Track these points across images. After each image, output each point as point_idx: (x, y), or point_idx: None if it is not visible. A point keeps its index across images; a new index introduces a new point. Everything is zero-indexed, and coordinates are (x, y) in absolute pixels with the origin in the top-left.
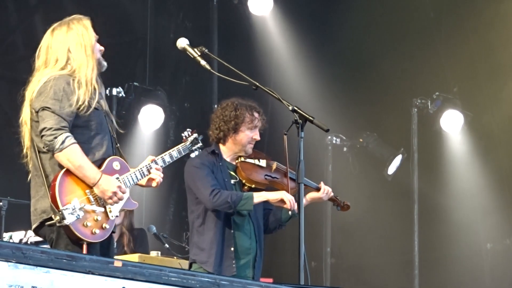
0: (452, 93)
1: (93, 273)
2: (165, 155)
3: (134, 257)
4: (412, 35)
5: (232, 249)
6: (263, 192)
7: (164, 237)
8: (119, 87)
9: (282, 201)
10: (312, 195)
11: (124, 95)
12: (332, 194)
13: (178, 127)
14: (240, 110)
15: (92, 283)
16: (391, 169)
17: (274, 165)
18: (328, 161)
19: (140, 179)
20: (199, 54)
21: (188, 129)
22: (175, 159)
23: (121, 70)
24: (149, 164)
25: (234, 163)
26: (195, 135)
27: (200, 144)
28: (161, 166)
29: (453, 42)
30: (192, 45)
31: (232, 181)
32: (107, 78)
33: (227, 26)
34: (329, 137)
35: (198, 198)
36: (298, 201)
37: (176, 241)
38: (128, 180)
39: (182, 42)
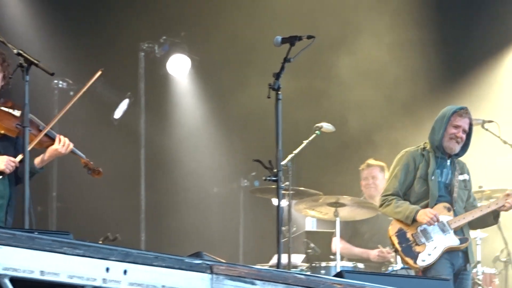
0: (180, 37)
1: None
2: None
3: None
4: None
5: None
6: None
7: None
8: None
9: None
10: (51, 148)
11: None
12: (71, 147)
13: None
14: None
15: None
16: (118, 113)
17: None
18: (54, 106)
19: None
20: None
21: None
22: None
23: None
24: None
25: None
26: None
27: None
28: None
29: None
30: None
31: None
32: None
33: None
34: (55, 81)
35: None
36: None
37: None
38: None
39: None
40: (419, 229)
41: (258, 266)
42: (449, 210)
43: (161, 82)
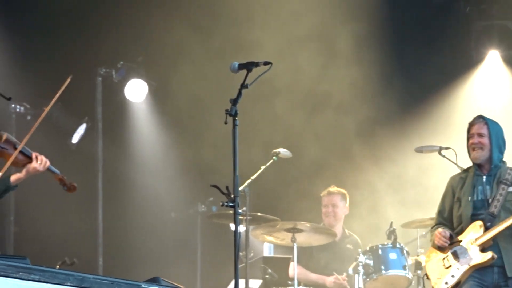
0: (137, 62)
1: None
2: None
3: None
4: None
5: None
6: None
7: None
8: None
9: None
10: (28, 166)
11: None
12: (48, 164)
13: None
14: None
15: None
16: (75, 138)
17: (4, 136)
18: (12, 130)
19: None
20: None
21: None
22: None
23: None
24: None
25: None
26: None
27: None
28: None
29: (135, 11)
30: None
31: None
32: None
33: None
34: (13, 105)
35: None
36: None
37: None
38: None
39: None
40: (450, 252)
41: None
42: (480, 227)
43: (118, 107)
